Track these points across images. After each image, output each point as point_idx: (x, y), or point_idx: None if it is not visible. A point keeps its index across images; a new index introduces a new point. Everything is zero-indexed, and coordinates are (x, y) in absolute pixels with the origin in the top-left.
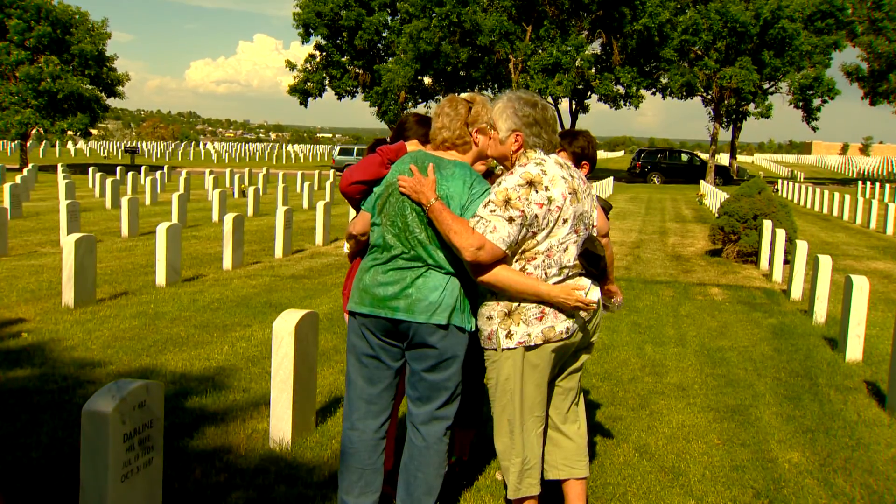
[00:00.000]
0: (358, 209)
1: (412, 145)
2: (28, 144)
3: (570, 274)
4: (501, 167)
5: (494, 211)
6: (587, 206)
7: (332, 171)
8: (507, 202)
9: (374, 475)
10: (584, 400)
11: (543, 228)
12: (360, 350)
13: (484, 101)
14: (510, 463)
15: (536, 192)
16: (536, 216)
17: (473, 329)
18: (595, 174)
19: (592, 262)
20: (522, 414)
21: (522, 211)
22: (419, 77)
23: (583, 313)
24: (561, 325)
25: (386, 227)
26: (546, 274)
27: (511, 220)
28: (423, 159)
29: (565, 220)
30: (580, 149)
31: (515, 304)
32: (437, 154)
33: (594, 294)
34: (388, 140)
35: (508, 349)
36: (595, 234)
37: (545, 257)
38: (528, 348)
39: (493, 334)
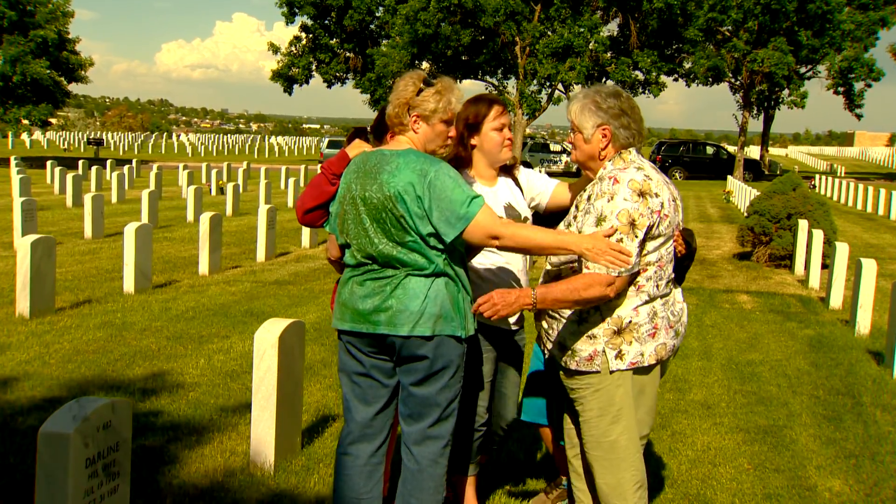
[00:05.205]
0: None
1: (354, 149)
2: None
3: (672, 289)
4: (586, 171)
5: (622, 241)
6: (681, 214)
7: (319, 165)
8: (632, 224)
9: None
10: None
11: (656, 238)
12: (350, 369)
13: (450, 89)
14: None
15: (650, 201)
16: (652, 226)
17: (472, 334)
18: None
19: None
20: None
21: (648, 226)
22: (416, 62)
23: (679, 327)
24: (671, 340)
25: (352, 244)
26: (658, 287)
27: (642, 243)
28: (366, 161)
29: (669, 228)
30: None
31: (627, 321)
32: (382, 148)
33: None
34: (369, 129)
35: (619, 371)
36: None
37: (657, 268)
38: (637, 371)
39: (598, 355)
